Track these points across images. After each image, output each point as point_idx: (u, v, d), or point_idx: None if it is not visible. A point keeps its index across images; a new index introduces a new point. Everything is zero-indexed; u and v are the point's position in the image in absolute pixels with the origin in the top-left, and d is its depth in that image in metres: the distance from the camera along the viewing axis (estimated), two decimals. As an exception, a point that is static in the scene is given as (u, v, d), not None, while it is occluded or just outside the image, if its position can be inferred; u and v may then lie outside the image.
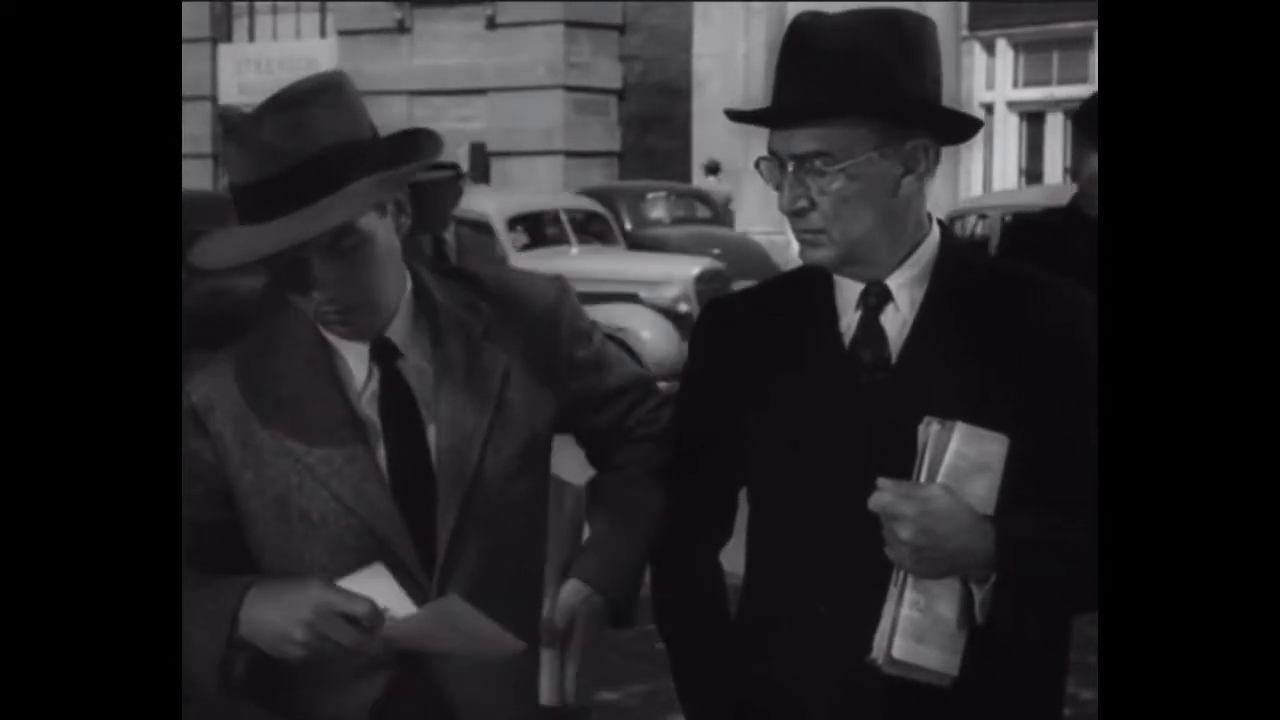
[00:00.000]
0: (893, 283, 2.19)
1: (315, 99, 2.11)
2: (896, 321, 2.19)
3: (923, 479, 2.05)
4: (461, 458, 2.21)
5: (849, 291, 2.22)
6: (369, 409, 2.22)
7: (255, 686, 2.15)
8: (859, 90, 2.10)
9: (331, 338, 2.24)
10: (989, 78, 19.97)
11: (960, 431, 2.05)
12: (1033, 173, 19.68)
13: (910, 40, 2.14)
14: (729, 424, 2.26)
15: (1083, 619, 2.13)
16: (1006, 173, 19.84)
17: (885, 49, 2.12)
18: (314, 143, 2.08)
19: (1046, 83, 19.58)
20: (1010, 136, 19.98)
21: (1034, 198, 12.90)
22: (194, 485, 2.18)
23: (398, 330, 2.24)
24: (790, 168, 2.15)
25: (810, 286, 2.25)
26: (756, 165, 2.18)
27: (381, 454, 2.21)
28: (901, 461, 2.07)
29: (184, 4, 18.81)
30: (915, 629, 2.05)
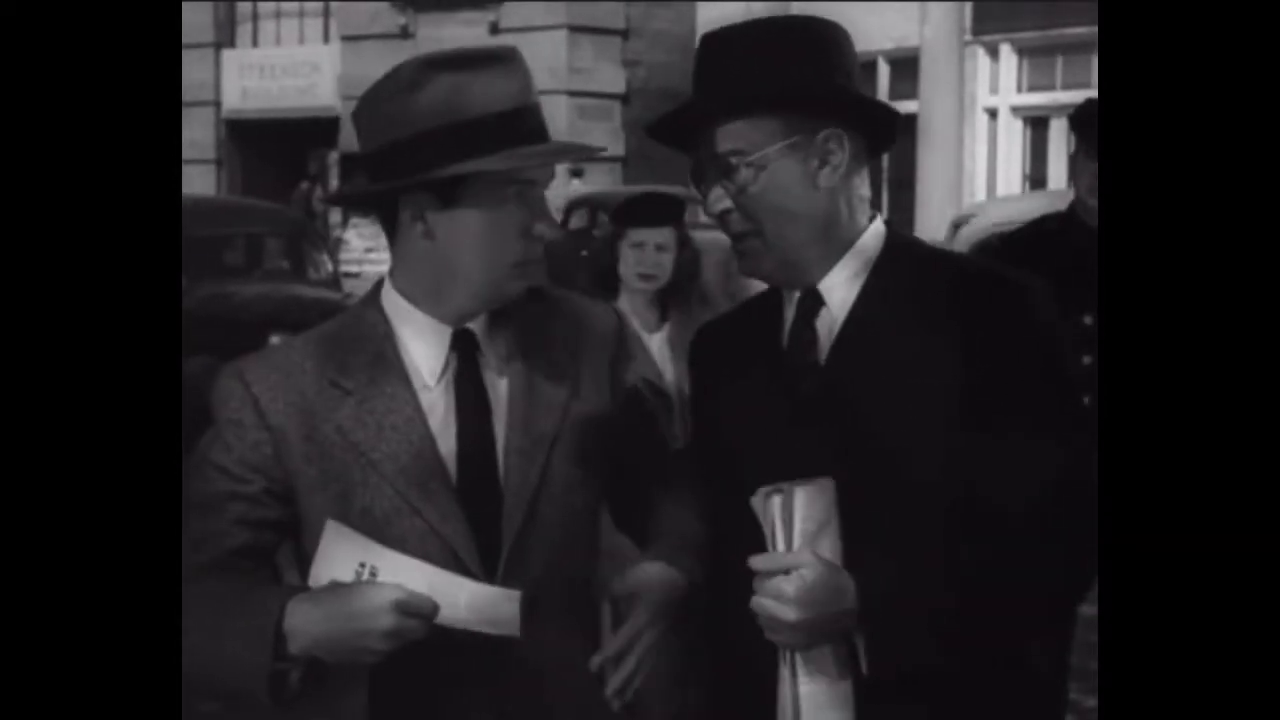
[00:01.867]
0: (824, 285, 2.19)
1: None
2: (828, 324, 2.19)
3: (780, 548, 2.03)
4: (529, 460, 2.21)
5: (793, 299, 2.23)
6: (439, 403, 2.22)
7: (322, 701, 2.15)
8: (751, 84, 2.13)
9: (402, 332, 2.24)
10: (993, 82, 19.97)
11: (801, 495, 2.03)
12: (1036, 178, 19.68)
13: (811, 40, 2.17)
14: (711, 442, 2.29)
15: (1085, 625, 2.11)
16: (1010, 178, 19.84)
17: (782, 46, 2.16)
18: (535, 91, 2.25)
19: (1050, 88, 19.58)
20: (1014, 141, 19.99)
21: (1038, 203, 12.90)
22: (253, 480, 2.18)
23: (476, 326, 2.26)
24: (710, 171, 2.18)
25: (770, 298, 2.28)
26: (696, 181, 2.21)
27: (449, 450, 2.20)
28: (837, 462, 2.07)
29: (188, 10, 18.83)
30: (816, 700, 2.05)
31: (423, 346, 2.23)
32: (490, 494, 2.20)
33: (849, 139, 2.17)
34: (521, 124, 2.18)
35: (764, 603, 2.02)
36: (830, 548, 2.05)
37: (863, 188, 2.21)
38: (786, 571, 2.01)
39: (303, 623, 2.04)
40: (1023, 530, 2.04)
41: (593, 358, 2.32)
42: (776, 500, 2.04)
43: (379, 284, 2.29)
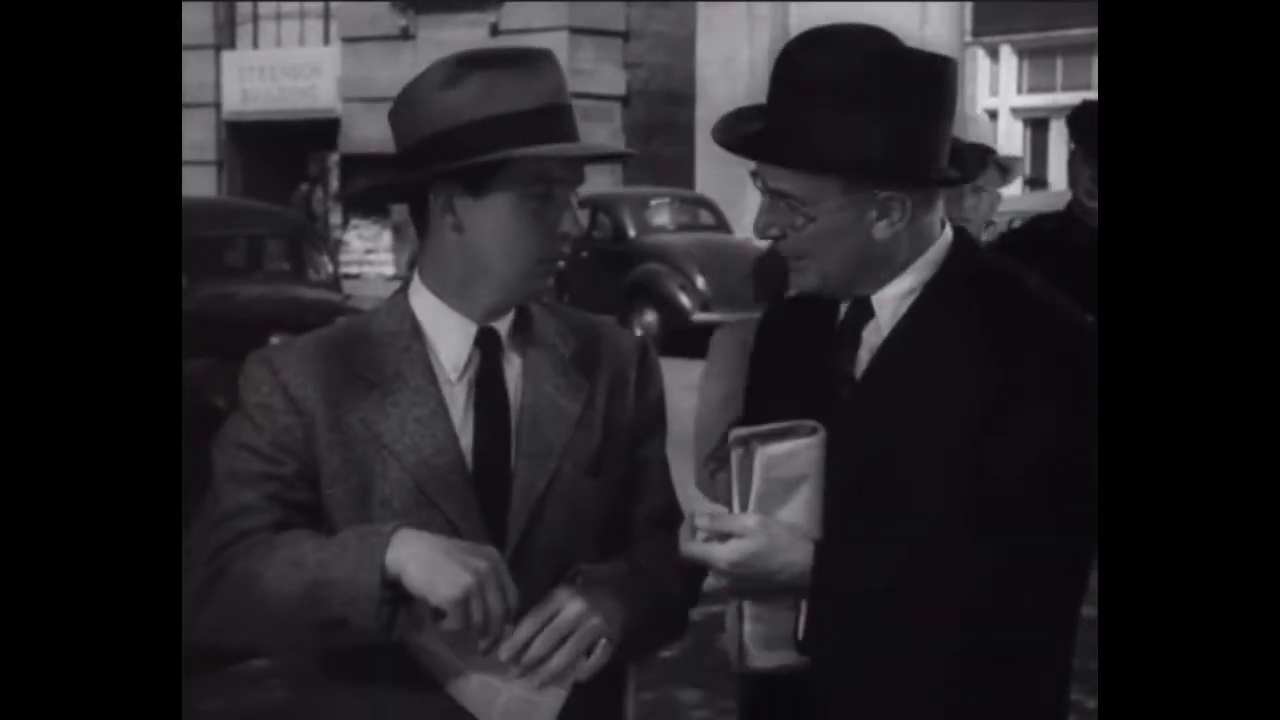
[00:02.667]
0: (877, 298, 2.17)
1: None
2: (874, 337, 2.17)
3: (735, 505, 2.04)
4: (539, 465, 2.23)
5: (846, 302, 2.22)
6: (459, 398, 2.24)
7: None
8: (808, 143, 2.07)
9: (429, 328, 2.26)
10: (993, 84, 20.00)
11: (761, 457, 2.02)
12: (1037, 179, 19.70)
13: (894, 94, 2.06)
14: None
15: (1085, 624, 2.11)
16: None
17: (855, 100, 2.05)
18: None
19: (1051, 89, 19.61)
20: (1014, 143, 20.00)
21: (1039, 204, 12.90)
22: (285, 462, 2.19)
23: (500, 326, 2.28)
24: (765, 196, 2.15)
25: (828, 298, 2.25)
26: (751, 174, 2.19)
27: (466, 445, 2.22)
28: (860, 476, 2.08)
29: (188, 11, 18.80)
30: (763, 639, 2.07)
31: (448, 342, 2.26)
32: (502, 493, 2.22)
33: (912, 199, 2.11)
34: (554, 122, 2.20)
35: (691, 548, 2.04)
36: (800, 507, 2.04)
37: (930, 217, 2.15)
38: (726, 537, 2.02)
39: (410, 536, 2.06)
40: (1021, 531, 2.04)
41: (611, 376, 2.33)
42: (737, 454, 2.03)
43: (407, 281, 2.32)
